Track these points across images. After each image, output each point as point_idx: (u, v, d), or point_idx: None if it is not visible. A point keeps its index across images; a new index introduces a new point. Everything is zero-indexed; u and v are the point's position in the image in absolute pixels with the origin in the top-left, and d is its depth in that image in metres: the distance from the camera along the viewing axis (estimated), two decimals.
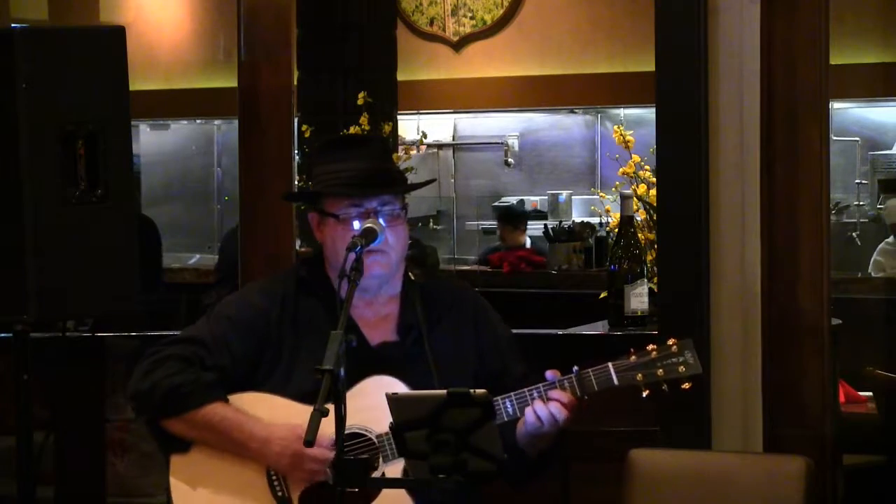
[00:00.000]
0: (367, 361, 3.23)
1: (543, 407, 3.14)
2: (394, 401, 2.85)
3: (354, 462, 2.97)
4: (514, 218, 9.25)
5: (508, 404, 3.17)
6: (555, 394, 3.16)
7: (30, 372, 3.81)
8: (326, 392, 2.81)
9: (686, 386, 3.17)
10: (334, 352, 2.83)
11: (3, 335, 4.35)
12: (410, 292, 3.40)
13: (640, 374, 3.16)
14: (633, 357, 3.18)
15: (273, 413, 3.25)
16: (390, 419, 2.85)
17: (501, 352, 3.39)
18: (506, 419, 3.16)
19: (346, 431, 3.08)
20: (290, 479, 3.23)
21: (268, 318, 3.35)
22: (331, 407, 2.83)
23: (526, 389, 3.17)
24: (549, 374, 3.18)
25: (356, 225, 3.27)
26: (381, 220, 3.27)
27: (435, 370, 3.28)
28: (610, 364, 3.17)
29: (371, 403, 3.13)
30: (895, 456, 4.94)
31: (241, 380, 3.32)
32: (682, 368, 3.15)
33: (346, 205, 3.32)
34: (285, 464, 3.22)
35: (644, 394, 3.18)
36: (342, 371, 2.83)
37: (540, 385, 3.17)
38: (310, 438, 2.78)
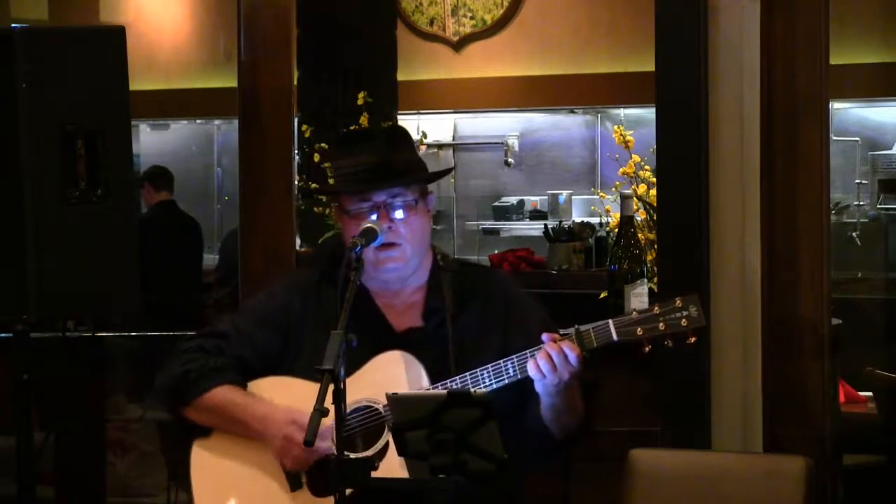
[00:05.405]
0: (392, 347, 3.27)
1: (543, 355, 3.12)
2: (394, 401, 2.86)
3: (355, 462, 2.98)
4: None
5: (510, 365, 3.17)
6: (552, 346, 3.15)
7: (30, 372, 3.81)
8: (326, 391, 2.82)
9: (691, 340, 3.14)
10: (334, 351, 2.83)
11: (3, 335, 4.35)
12: (438, 279, 3.40)
13: (640, 329, 3.14)
14: (635, 313, 3.17)
15: (288, 395, 3.27)
16: (398, 390, 2.92)
17: (531, 336, 3.29)
18: (506, 381, 3.16)
19: (357, 405, 3.18)
20: (281, 463, 3.24)
21: (289, 310, 3.40)
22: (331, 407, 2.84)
23: (527, 350, 3.17)
24: (545, 336, 3.16)
25: (373, 217, 3.28)
26: (392, 214, 3.28)
27: (454, 351, 3.28)
28: (610, 320, 3.16)
29: (381, 377, 3.18)
30: (895, 456, 4.94)
31: (267, 371, 3.36)
32: (684, 322, 3.12)
33: (355, 200, 3.33)
34: (276, 446, 3.24)
35: (646, 349, 3.15)
36: (342, 371, 2.84)
37: (539, 346, 3.16)
38: (309, 439, 2.79)
